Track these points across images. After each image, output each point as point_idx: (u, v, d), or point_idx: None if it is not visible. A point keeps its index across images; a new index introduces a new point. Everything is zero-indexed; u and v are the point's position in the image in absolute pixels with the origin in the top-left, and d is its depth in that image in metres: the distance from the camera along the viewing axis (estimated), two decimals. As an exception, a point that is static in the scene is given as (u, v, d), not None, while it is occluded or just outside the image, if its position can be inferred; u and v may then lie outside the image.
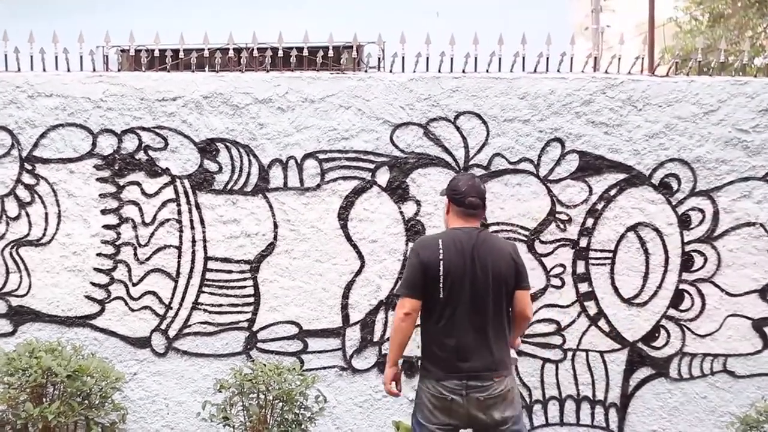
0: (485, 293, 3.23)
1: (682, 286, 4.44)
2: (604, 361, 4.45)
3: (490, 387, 3.20)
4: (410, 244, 4.40)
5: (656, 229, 4.43)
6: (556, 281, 4.44)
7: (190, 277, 4.43)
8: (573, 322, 4.44)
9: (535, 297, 4.42)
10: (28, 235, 4.42)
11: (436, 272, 3.22)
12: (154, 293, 4.43)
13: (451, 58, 4.45)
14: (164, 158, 4.43)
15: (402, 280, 3.35)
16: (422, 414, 3.29)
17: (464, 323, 3.23)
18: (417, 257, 3.28)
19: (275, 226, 4.42)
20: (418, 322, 3.32)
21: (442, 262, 3.22)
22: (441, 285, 3.22)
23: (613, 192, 4.42)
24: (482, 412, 3.21)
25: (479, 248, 3.26)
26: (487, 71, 4.47)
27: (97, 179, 4.42)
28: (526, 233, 4.42)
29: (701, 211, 4.43)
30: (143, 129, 4.42)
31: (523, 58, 4.46)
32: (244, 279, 4.43)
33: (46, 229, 4.42)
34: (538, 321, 4.43)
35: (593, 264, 4.44)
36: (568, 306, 4.44)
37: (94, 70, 4.52)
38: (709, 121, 4.41)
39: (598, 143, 4.41)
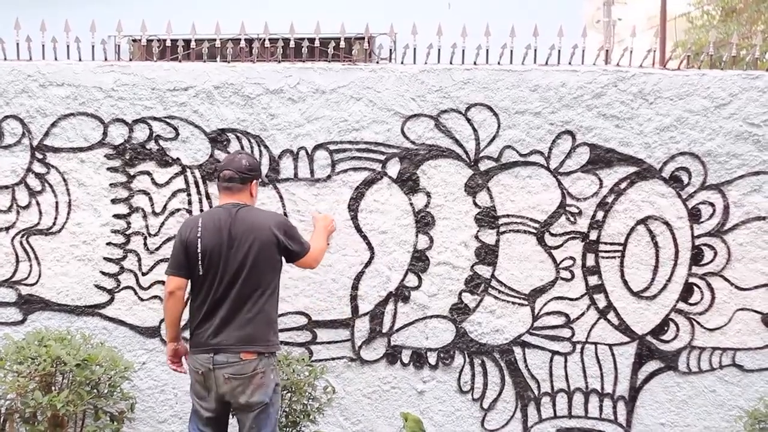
0: (241, 269, 3.37)
1: (691, 280, 4.43)
2: (612, 354, 4.45)
3: (236, 364, 3.28)
4: (420, 236, 4.42)
5: (666, 223, 4.42)
6: (565, 274, 4.43)
7: (199, 267, 4.43)
8: (582, 314, 4.44)
9: (544, 290, 4.43)
10: (38, 224, 4.41)
11: (195, 250, 3.40)
12: (163, 283, 4.41)
13: (463, 50, 4.45)
14: (175, 148, 4.42)
15: (169, 259, 3.54)
16: (191, 386, 3.53)
17: (220, 299, 3.38)
18: (179, 236, 3.47)
19: (285, 216, 4.42)
20: None
21: (200, 240, 3.40)
22: (200, 262, 3.40)
23: (623, 185, 4.42)
24: (229, 392, 3.30)
25: (236, 225, 3.41)
26: (499, 63, 4.47)
27: (108, 168, 4.42)
28: (536, 226, 4.42)
29: (711, 204, 4.42)
30: (154, 119, 4.41)
31: (535, 50, 4.45)
32: (254, 269, 4.43)
33: (56, 218, 4.41)
34: (547, 314, 4.44)
35: (603, 257, 4.43)
36: (577, 299, 4.44)
37: (106, 59, 4.52)
38: (720, 115, 4.40)
39: (609, 136, 4.41)
